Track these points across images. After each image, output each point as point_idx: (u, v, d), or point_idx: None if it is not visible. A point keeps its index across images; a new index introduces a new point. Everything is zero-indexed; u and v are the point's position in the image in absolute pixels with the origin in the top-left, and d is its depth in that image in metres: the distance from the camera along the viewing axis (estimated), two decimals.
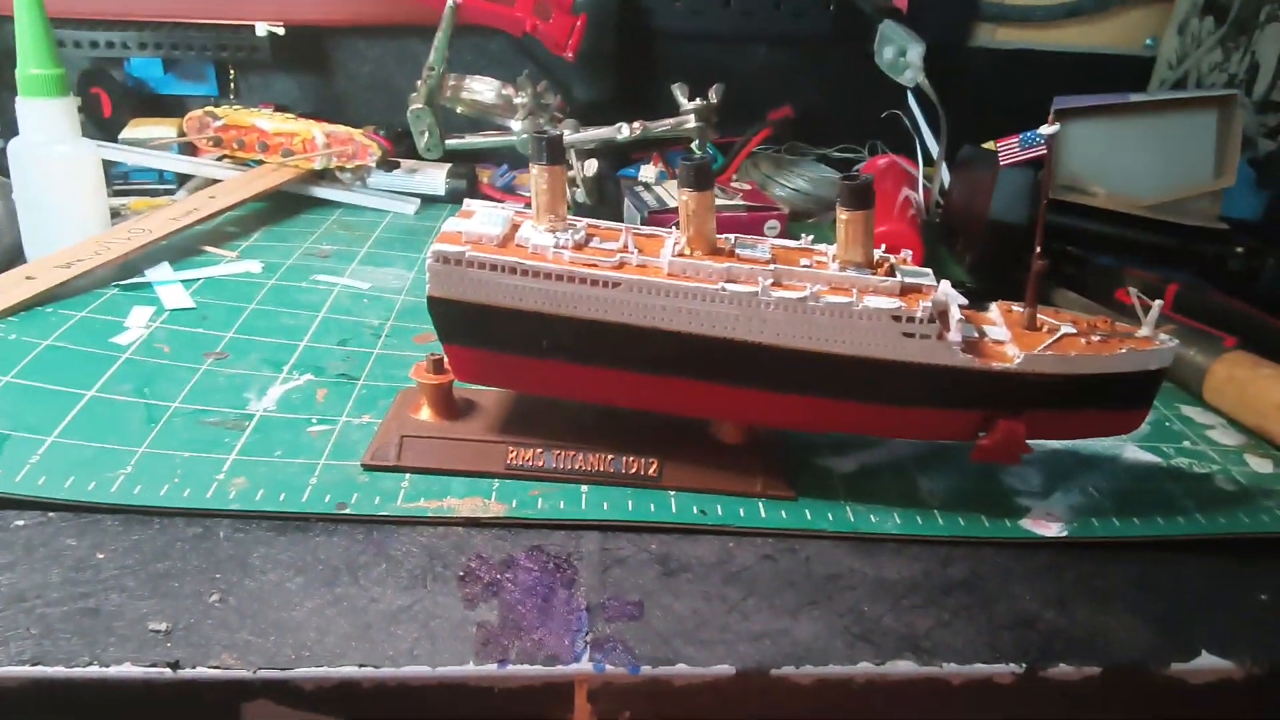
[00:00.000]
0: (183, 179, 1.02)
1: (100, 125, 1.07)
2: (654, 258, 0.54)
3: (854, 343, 0.52)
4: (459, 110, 0.93)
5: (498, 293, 0.53)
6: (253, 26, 1.05)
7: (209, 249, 0.86)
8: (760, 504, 0.56)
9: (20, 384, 0.61)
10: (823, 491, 0.57)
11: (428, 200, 1.03)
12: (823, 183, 1.11)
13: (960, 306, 0.54)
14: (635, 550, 0.52)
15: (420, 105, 0.80)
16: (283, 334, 0.71)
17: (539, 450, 0.57)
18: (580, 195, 0.83)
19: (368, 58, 1.13)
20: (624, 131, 0.79)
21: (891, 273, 0.54)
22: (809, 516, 0.55)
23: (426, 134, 0.81)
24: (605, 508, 0.54)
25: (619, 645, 0.45)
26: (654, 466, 0.56)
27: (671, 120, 0.81)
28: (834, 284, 0.53)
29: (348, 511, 0.53)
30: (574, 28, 0.79)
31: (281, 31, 1.05)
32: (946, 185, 1.09)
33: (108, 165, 1.03)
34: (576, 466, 0.56)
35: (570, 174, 0.80)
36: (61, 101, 0.78)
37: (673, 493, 0.56)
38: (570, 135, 0.80)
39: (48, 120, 0.78)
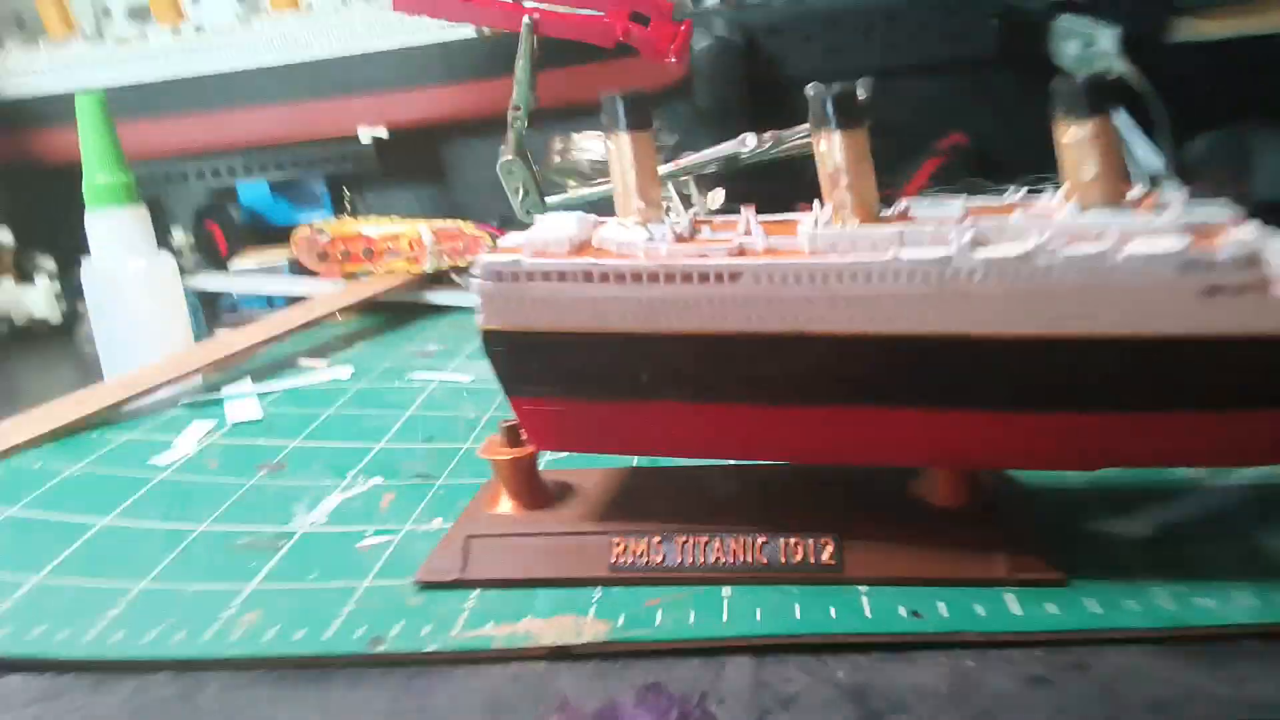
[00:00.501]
0: (294, 303, 0.94)
1: (217, 263, 1.02)
2: (789, 238, 0.37)
3: (1123, 315, 0.33)
4: (572, 183, 0.80)
5: (571, 311, 0.37)
6: (356, 135, 0.98)
7: (303, 361, 0.75)
8: (1009, 596, 0.35)
9: (22, 517, 0.49)
10: (1109, 571, 0.36)
11: None
12: None
13: None
14: (812, 681, 0.33)
15: (510, 156, 0.67)
16: (358, 437, 0.57)
17: (656, 540, 0.39)
18: None
19: (480, 155, 1.04)
20: (749, 143, 0.64)
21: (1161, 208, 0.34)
22: (1097, 609, 0.34)
23: (521, 190, 0.68)
24: (759, 617, 0.35)
25: None
26: (829, 550, 0.37)
27: (807, 126, 0.65)
28: (1073, 233, 0.33)
29: (383, 650, 0.36)
30: (676, 33, 0.66)
31: (385, 135, 0.97)
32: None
33: (214, 298, 0.97)
34: (714, 560, 0.38)
35: (692, 210, 0.65)
36: (132, 210, 0.71)
37: (864, 589, 0.37)
38: (687, 159, 0.65)
39: (118, 231, 0.70)
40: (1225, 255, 0.32)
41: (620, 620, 0.36)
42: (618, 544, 0.39)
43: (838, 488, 0.40)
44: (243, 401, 0.64)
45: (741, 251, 0.36)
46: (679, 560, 0.38)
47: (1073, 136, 0.35)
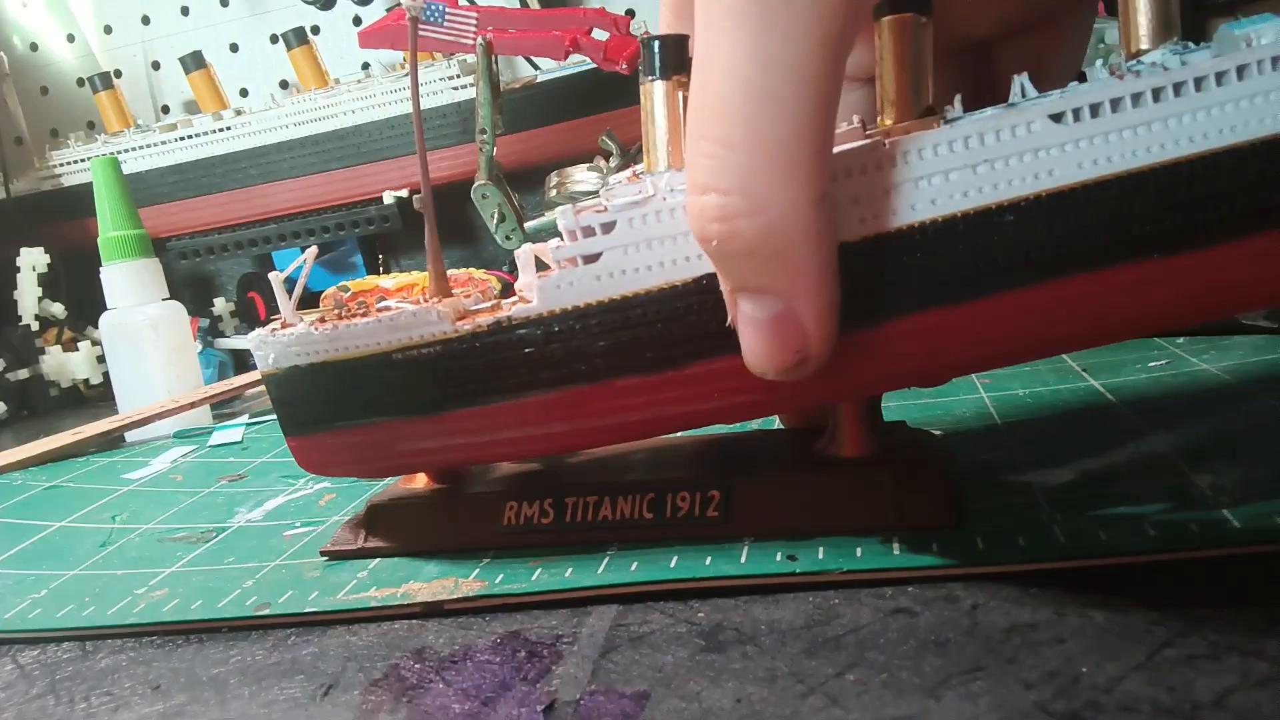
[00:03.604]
0: None
1: (256, 327, 1.07)
2: None
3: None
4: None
5: None
6: (380, 197, 1.02)
7: None
8: (895, 540, 0.33)
9: None
10: (1013, 515, 0.34)
11: None
12: None
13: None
14: (670, 622, 0.31)
15: (484, 180, 0.69)
16: None
17: (547, 502, 0.38)
18: None
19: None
20: None
21: None
22: (981, 547, 0.32)
23: (498, 216, 0.69)
24: (634, 569, 0.34)
25: None
26: (715, 502, 0.36)
27: None
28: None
29: (266, 613, 0.36)
30: (630, 45, 0.67)
31: (407, 195, 1.01)
32: None
33: (248, 356, 1.01)
34: (601, 518, 0.37)
35: None
36: (144, 263, 0.75)
37: (748, 542, 0.35)
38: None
39: (132, 283, 0.74)
40: None
41: (498, 579, 0.35)
42: (511, 508, 0.38)
43: (732, 445, 0.39)
44: (229, 430, 0.66)
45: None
46: (567, 519, 0.37)
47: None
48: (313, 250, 0.41)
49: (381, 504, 0.40)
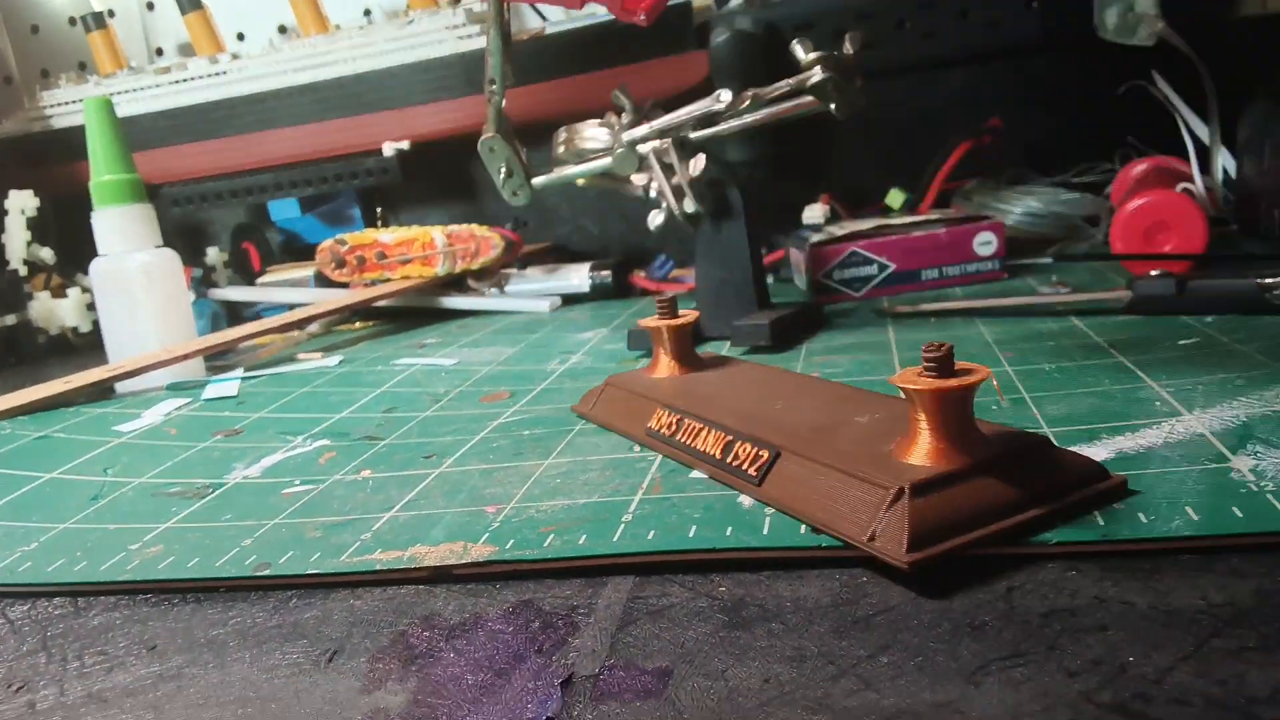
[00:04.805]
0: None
1: (250, 279, 1.05)
2: None
3: None
4: (579, 170, 0.79)
5: None
6: (380, 150, 0.99)
7: (301, 356, 0.75)
8: None
9: None
10: None
11: (570, 298, 0.89)
12: (1059, 203, 0.87)
13: None
14: (690, 596, 0.30)
15: (491, 134, 0.66)
16: (322, 409, 0.57)
17: (676, 419, 0.42)
18: (689, 205, 0.64)
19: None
20: (724, 99, 0.61)
21: None
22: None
23: (505, 171, 0.67)
24: (651, 537, 0.33)
25: None
26: (761, 462, 0.36)
27: (791, 80, 0.62)
28: None
29: (267, 574, 0.35)
30: None
31: (407, 147, 0.99)
32: (1231, 170, 0.81)
33: (242, 308, 0.99)
34: (695, 445, 0.40)
35: (674, 180, 0.62)
36: (138, 208, 0.73)
37: (769, 511, 0.34)
38: (661, 120, 0.63)
39: (124, 229, 0.72)
40: None
41: (509, 544, 0.34)
42: (659, 414, 0.43)
43: (818, 418, 0.38)
44: (224, 384, 0.65)
45: None
46: (680, 439, 0.41)
47: None
48: None
49: (603, 387, 0.49)
